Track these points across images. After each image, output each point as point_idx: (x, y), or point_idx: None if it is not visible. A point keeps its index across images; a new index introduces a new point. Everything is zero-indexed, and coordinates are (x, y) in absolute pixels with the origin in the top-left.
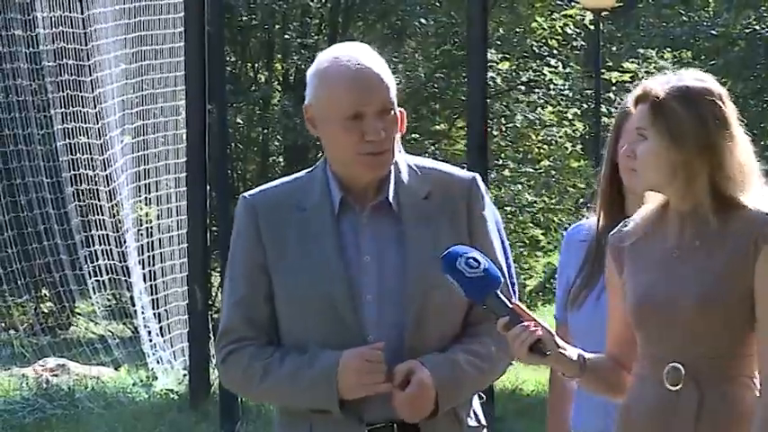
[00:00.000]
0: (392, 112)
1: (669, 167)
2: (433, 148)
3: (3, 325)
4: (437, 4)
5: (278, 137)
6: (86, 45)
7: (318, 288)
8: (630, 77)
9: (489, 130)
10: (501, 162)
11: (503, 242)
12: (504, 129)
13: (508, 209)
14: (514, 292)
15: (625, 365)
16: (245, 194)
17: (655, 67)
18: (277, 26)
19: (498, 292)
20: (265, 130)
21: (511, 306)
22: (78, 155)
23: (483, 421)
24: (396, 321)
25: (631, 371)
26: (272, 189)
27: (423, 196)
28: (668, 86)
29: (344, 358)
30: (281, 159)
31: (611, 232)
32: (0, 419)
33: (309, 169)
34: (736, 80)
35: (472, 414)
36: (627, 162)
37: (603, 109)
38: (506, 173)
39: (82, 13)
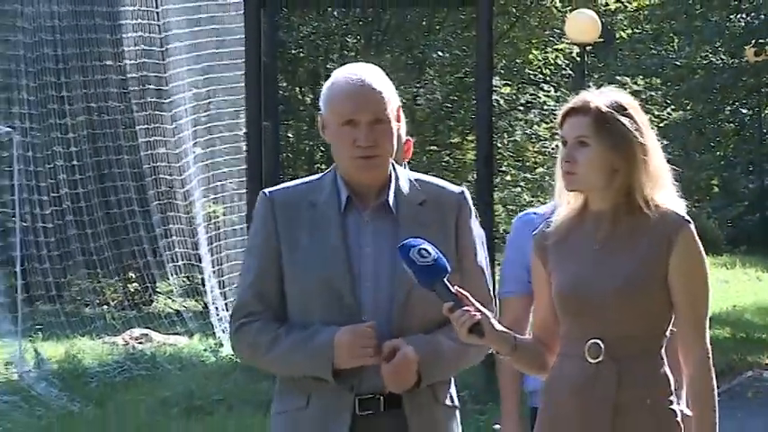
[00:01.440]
0: (386, 124)
1: (609, 170)
2: (448, 157)
3: (97, 301)
4: (451, 39)
5: (321, 148)
6: (165, 73)
7: (324, 273)
8: None
9: (494, 143)
10: (504, 169)
11: (483, 251)
12: (506, 142)
13: (510, 207)
14: (493, 297)
15: (549, 347)
16: (265, 191)
17: (630, 92)
18: (320, 58)
19: (445, 280)
20: (311, 143)
21: (455, 293)
22: (158, 163)
23: (457, 403)
24: (387, 306)
25: (554, 352)
26: (288, 187)
27: (417, 203)
28: (606, 100)
29: (340, 333)
30: (324, 167)
31: (534, 231)
32: (96, 379)
33: (322, 173)
34: (696, 102)
35: (449, 395)
36: (566, 166)
37: None
38: (508, 178)
39: (161, 47)
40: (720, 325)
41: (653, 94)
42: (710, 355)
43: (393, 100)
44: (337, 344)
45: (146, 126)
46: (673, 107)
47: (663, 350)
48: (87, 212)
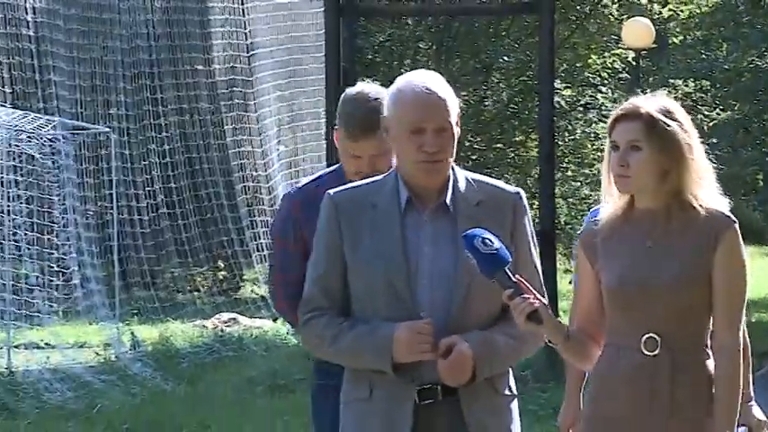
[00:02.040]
0: (450, 131)
1: (661, 172)
2: (513, 154)
3: (188, 288)
4: (516, 45)
5: None
6: (251, 76)
7: (383, 271)
8: None
9: (556, 141)
10: (565, 165)
11: (536, 250)
12: (567, 140)
13: (570, 200)
14: (545, 293)
15: (594, 339)
16: (329, 192)
17: (681, 93)
18: (395, 63)
19: (507, 269)
20: None
21: (515, 281)
22: (245, 160)
23: (515, 391)
24: (444, 303)
25: (599, 343)
26: (351, 189)
27: (475, 203)
28: (655, 105)
29: (399, 329)
30: None
31: (581, 230)
32: (187, 359)
33: (383, 175)
34: (743, 103)
35: (507, 385)
36: (619, 170)
37: None
38: (569, 173)
39: (248, 53)
40: (765, 309)
41: (703, 95)
42: (741, 350)
43: (455, 107)
44: (396, 340)
45: (233, 126)
46: (721, 108)
47: (709, 342)
48: (179, 206)
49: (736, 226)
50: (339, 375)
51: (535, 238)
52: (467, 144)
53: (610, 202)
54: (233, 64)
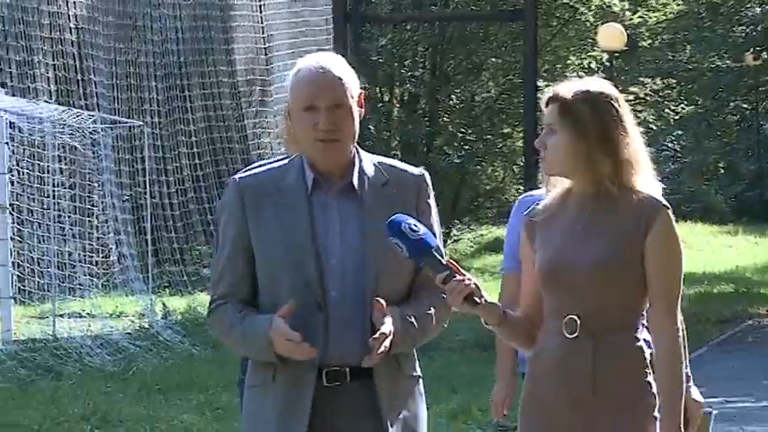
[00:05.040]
0: (346, 109)
1: (573, 157)
2: (501, 145)
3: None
4: (503, 48)
5: (396, 137)
6: (268, 76)
7: (291, 253)
8: (634, 98)
9: (538, 133)
10: None
11: (440, 230)
12: None
13: None
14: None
15: (535, 323)
16: (235, 177)
17: (651, 90)
18: (395, 63)
19: (436, 253)
20: (388, 133)
21: (446, 263)
22: (263, 150)
23: (419, 372)
24: (356, 280)
25: (538, 325)
26: (257, 173)
27: (381, 184)
28: (573, 90)
29: (271, 331)
30: (399, 152)
31: (525, 212)
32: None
33: (291, 158)
34: (705, 98)
35: (413, 367)
36: (541, 152)
37: None
38: None
39: (265, 54)
40: (725, 282)
41: (669, 92)
42: (681, 332)
43: (354, 86)
44: (273, 338)
45: (253, 120)
46: (686, 103)
47: (639, 325)
48: (205, 191)
49: (669, 211)
50: None
51: (438, 217)
52: (459, 135)
53: (550, 186)
54: (252, 65)
